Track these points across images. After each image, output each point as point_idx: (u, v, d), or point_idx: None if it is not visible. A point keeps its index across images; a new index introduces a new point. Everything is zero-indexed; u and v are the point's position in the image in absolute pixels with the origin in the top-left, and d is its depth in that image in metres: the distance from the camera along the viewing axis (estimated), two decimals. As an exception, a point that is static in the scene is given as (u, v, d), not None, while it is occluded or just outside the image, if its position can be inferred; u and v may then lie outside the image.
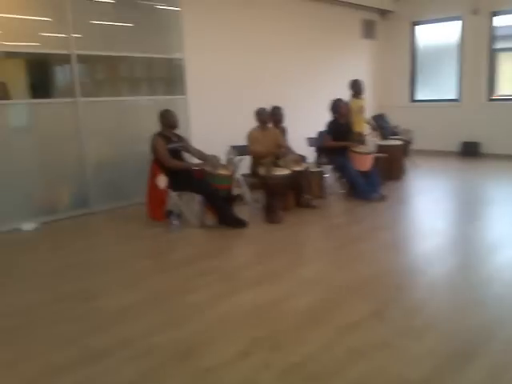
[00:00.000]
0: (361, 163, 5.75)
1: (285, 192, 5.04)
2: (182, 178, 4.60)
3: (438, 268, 3.49)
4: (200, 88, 6.38)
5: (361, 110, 6.80)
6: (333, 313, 2.80)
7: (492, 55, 8.54)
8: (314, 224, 4.86)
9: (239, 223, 4.59)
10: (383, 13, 9.47)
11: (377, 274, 3.38)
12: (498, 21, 8.38)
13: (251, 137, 5.27)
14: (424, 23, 9.37)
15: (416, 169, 7.64)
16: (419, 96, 9.73)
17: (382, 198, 5.62)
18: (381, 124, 8.16)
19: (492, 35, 8.45)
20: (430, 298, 2.97)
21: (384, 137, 7.76)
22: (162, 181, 4.54)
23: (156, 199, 4.59)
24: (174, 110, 4.89)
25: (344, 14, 8.71)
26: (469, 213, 5.13)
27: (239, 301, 2.99)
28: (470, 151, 8.85)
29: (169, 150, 4.63)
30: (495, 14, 8.35)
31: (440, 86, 9.55)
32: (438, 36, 9.36)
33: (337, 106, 5.96)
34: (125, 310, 2.94)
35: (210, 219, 4.64)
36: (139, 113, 5.87)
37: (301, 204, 5.36)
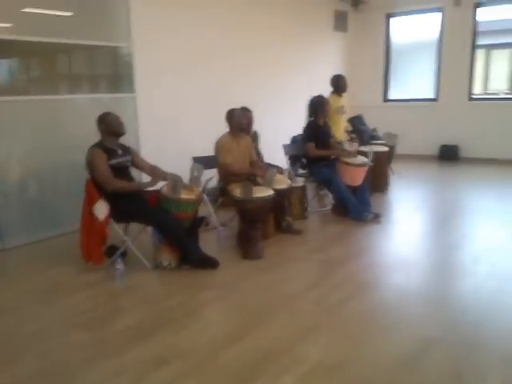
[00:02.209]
0: (353, 177, 4.75)
1: (266, 217, 3.97)
2: (128, 204, 3.40)
3: (489, 335, 2.52)
4: (153, 85, 5.19)
5: (341, 110, 5.87)
6: None
7: (474, 51, 7.83)
8: (303, 260, 3.78)
9: (208, 263, 3.46)
10: (356, 3, 8.55)
11: (412, 348, 2.38)
12: (482, 13, 7.68)
13: (221, 146, 4.12)
14: (400, 15, 8.56)
15: (398, 178, 6.77)
16: (393, 95, 8.95)
17: (376, 218, 4.68)
18: (358, 127, 7.27)
19: (475, 29, 7.74)
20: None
21: (362, 142, 6.85)
22: (102, 209, 3.33)
23: (93, 235, 3.36)
24: (117, 113, 3.70)
25: (314, 4, 7.72)
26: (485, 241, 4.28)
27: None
28: (448, 155, 8.17)
29: (111, 166, 3.45)
30: (478, 5, 7.63)
31: (416, 84, 8.82)
32: (414, 29, 8.58)
33: (319, 105, 4.92)
34: None
35: (168, 259, 3.47)
36: (77, 115, 4.59)
37: (282, 229, 4.32)
